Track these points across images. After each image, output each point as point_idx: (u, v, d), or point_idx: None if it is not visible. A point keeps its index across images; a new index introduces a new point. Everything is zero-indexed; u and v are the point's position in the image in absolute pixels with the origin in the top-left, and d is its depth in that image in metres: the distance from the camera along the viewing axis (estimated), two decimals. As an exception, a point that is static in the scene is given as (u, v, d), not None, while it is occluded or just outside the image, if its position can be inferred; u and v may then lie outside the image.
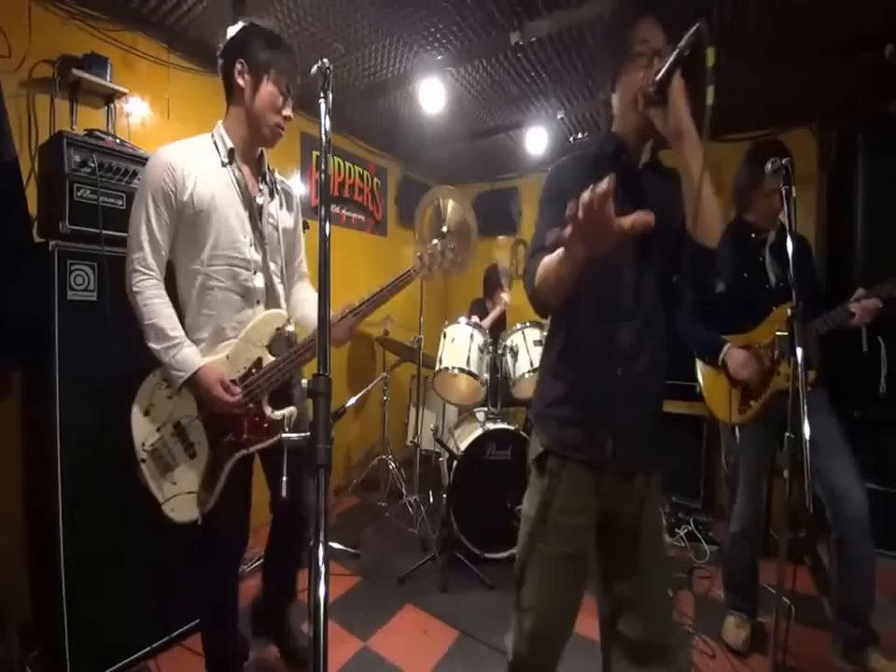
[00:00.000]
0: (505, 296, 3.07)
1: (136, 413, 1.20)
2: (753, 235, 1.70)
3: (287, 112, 1.29)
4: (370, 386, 2.84)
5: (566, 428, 1.00)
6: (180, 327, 1.20)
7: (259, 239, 1.29)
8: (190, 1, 1.88)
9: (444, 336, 2.45)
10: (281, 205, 1.39)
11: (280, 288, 1.36)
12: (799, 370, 1.11)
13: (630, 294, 0.96)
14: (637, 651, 0.97)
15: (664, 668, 0.97)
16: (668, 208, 0.90)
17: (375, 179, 3.52)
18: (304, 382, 0.64)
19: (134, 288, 1.17)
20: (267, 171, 1.36)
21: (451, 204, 2.44)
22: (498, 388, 2.52)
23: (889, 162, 2.20)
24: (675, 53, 0.79)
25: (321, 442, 0.60)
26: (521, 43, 2.04)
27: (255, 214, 1.28)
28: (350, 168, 3.29)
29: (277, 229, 1.36)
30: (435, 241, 1.44)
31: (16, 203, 1.39)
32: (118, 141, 1.57)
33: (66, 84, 1.76)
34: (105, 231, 1.41)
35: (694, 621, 1.86)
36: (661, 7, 0.91)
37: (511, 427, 2.34)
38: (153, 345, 1.16)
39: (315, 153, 2.92)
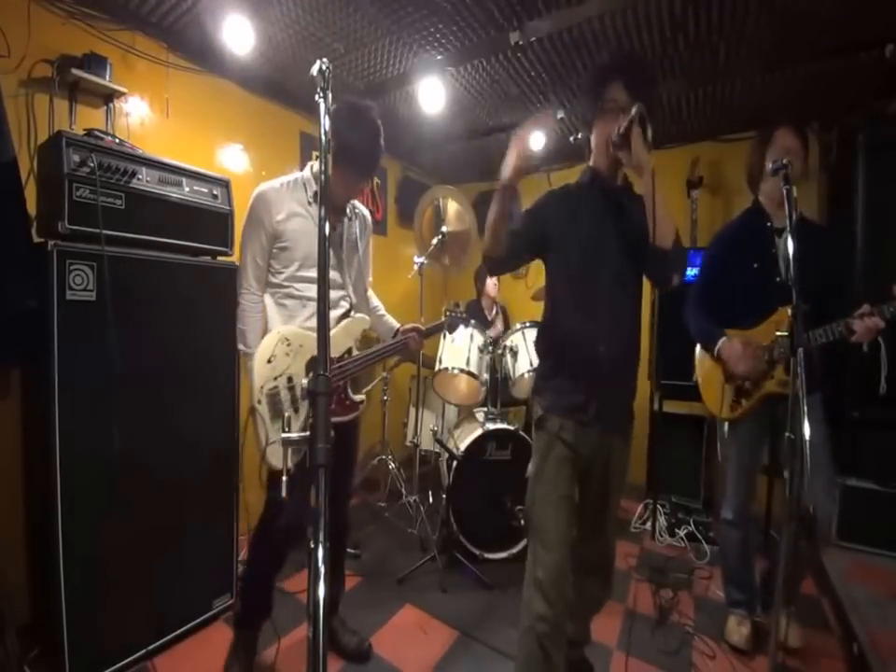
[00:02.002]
0: (490, 284, 3.24)
1: (260, 359, 1.32)
2: (769, 224, 1.63)
3: (359, 188, 1.54)
4: (370, 386, 2.84)
5: (560, 395, 1.24)
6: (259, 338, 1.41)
7: (338, 261, 1.54)
8: (190, 1, 1.88)
9: (444, 337, 2.45)
10: (357, 229, 1.62)
11: (349, 300, 1.59)
12: (800, 369, 1.11)
13: (606, 287, 1.20)
14: (589, 563, 1.33)
15: (605, 576, 1.38)
16: (636, 220, 1.16)
17: (375, 179, 3.51)
18: (304, 381, 0.64)
19: (239, 301, 1.48)
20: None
21: (451, 204, 2.43)
22: (498, 388, 2.52)
23: (889, 162, 2.19)
24: (628, 119, 1.07)
25: (320, 442, 0.60)
26: (521, 43, 2.04)
27: (336, 241, 1.53)
28: (350, 168, 3.28)
29: (356, 248, 1.61)
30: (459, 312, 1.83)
31: (15, 203, 1.39)
32: (117, 141, 1.57)
33: (65, 84, 1.76)
34: (104, 231, 1.41)
35: (694, 621, 1.86)
36: (625, 74, 1.18)
37: (511, 427, 2.34)
38: (239, 345, 1.48)
39: (314, 153, 2.92)
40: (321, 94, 0.78)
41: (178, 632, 1.64)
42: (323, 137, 0.77)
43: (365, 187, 1.50)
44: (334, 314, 1.52)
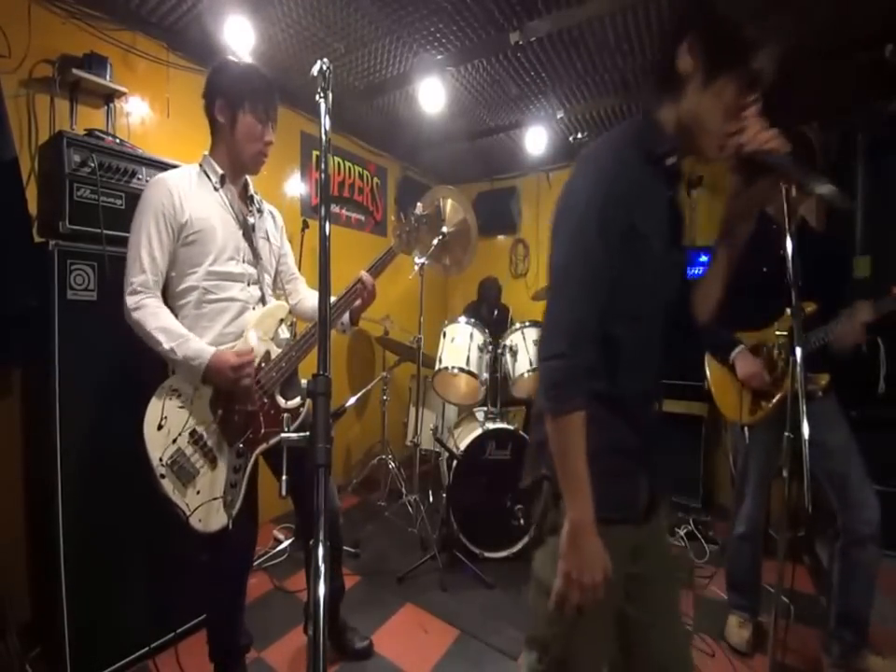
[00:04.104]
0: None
1: (149, 429, 1.18)
2: (775, 227, 1.60)
3: (269, 138, 1.34)
4: (370, 386, 2.84)
5: (607, 484, 0.80)
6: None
7: (253, 254, 1.38)
8: (191, 1, 1.88)
9: (444, 336, 2.46)
10: (269, 225, 1.49)
11: (272, 299, 1.44)
12: (798, 369, 1.11)
13: (665, 322, 0.87)
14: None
15: None
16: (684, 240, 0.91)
17: (375, 179, 3.52)
18: (304, 382, 0.65)
19: (135, 306, 1.18)
20: (253, 194, 1.46)
21: (451, 204, 2.43)
22: (498, 388, 2.52)
23: (889, 162, 2.20)
24: (800, 172, 0.73)
25: (321, 442, 0.61)
26: (521, 43, 2.04)
27: (248, 231, 1.37)
28: (350, 168, 3.29)
29: (269, 241, 1.46)
30: (412, 218, 1.59)
31: (16, 203, 1.39)
32: (117, 141, 1.57)
33: (66, 84, 1.76)
34: (105, 231, 1.41)
35: (694, 620, 1.86)
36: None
37: (511, 427, 2.34)
38: (165, 345, 1.17)
39: (315, 153, 2.92)
40: (321, 94, 0.78)
41: (179, 631, 1.64)
42: (323, 137, 0.77)
43: (270, 139, 1.34)
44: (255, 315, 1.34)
